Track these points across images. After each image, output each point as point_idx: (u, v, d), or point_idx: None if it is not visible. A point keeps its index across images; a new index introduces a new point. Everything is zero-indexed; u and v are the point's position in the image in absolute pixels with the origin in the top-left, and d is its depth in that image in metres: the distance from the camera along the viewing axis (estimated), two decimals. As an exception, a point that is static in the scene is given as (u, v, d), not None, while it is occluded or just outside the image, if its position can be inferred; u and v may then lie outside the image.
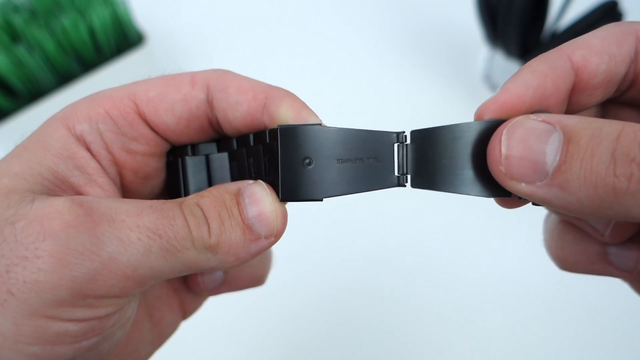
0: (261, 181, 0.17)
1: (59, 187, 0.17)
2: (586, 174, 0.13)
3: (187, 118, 0.19)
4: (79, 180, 0.17)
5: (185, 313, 0.23)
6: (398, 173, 0.18)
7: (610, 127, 0.13)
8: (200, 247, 0.16)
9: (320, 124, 0.17)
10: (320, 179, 0.17)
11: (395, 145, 0.18)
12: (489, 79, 0.57)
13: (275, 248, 0.19)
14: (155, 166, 0.20)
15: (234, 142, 0.20)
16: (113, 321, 0.16)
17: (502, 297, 0.43)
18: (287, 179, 0.17)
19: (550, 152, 0.13)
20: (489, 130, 0.16)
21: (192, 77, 0.19)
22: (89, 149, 0.18)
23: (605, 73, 0.16)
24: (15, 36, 0.45)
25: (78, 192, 0.17)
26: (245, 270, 0.22)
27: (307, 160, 0.17)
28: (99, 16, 0.46)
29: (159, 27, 0.62)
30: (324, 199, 0.17)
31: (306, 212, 0.42)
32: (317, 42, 0.63)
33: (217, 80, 0.18)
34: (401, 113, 0.55)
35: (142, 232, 0.15)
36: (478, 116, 0.17)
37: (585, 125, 0.13)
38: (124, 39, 0.49)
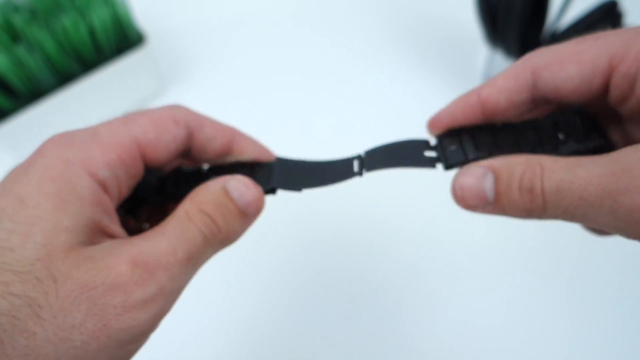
0: (237, 176, 0.22)
1: (95, 231, 0.19)
2: (510, 203, 0.20)
3: (175, 153, 0.23)
4: (106, 221, 0.20)
5: None
6: (357, 170, 0.24)
7: (518, 169, 0.19)
8: (215, 243, 0.21)
9: (277, 158, 0.25)
10: (299, 181, 0.24)
11: (355, 161, 0.24)
12: (488, 79, 0.57)
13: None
14: (131, 187, 0.23)
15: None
16: None
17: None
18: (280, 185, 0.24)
19: (489, 189, 0.20)
20: (421, 144, 0.24)
21: (173, 116, 0.22)
22: (107, 192, 0.21)
23: (507, 101, 0.22)
24: (15, 36, 0.45)
25: (105, 231, 0.20)
26: None
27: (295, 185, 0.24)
28: (99, 16, 0.46)
29: (159, 27, 0.62)
30: (302, 190, 0.24)
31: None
32: (316, 41, 0.63)
33: (194, 120, 0.23)
34: (401, 113, 0.56)
35: (181, 264, 0.19)
36: (428, 127, 0.25)
37: (505, 167, 0.20)
38: (124, 39, 0.49)
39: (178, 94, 0.57)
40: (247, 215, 0.21)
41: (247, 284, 0.43)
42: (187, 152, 0.24)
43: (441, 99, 0.56)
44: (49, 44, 0.44)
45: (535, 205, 0.19)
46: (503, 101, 0.22)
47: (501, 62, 0.53)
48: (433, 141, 0.24)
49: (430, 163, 0.23)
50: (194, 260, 0.20)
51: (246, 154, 0.25)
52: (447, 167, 0.23)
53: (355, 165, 0.24)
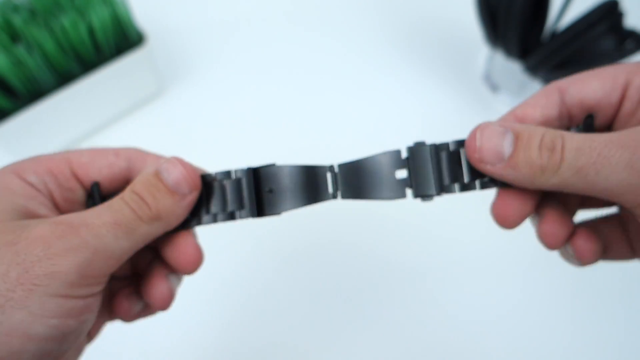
0: (171, 158, 0.23)
1: (29, 216, 0.22)
2: (526, 157, 0.21)
3: (110, 180, 0.25)
4: (41, 210, 0.23)
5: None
6: (332, 191, 0.24)
7: (539, 131, 0.21)
8: (147, 220, 0.22)
9: (274, 164, 0.24)
10: (278, 200, 0.24)
11: (328, 174, 0.24)
12: (489, 79, 0.57)
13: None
14: (79, 208, 0.25)
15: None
16: (98, 303, 0.22)
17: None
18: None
19: (506, 145, 0.21)
20: (392, 157, 0.23)
21: (117, 151, 0.25)
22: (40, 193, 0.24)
23: (542, 116, 0.24)
24: (14, 36, 0.45)
25: (39, 217, 0.22)
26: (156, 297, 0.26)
27: (268, 189, 0.24)
28: (98, 16, 0.45)
29: (159, 27, 0.62)
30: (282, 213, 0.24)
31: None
32: (315, 41, 0.63)
33: (136, 154, 0.25)
34: (400, 113, 0.56)
35: (107, 226, 0.21)
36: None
37: (526, 129, 0.21)
38: (124, 38, 0.49)
39: (177, 93, 0.57)
40: (179, 193, 0.23)
41: (237, 287, 0.43)
42: None
43: (441, 99, 0.56)
44: (49, 43, 0.44)
45: (552, 162, 0.20)
46: (539, 116, 0.24)
47: (501, 62, 0.53)
48: (405, 153, 0.24)
49: (401, 192, 0.23)
50: (123, 227, 0.21)
51: None
52: (416, 196, 0.23)
53: (329, 182, 0.24)
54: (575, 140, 0.20)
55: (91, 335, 0.26)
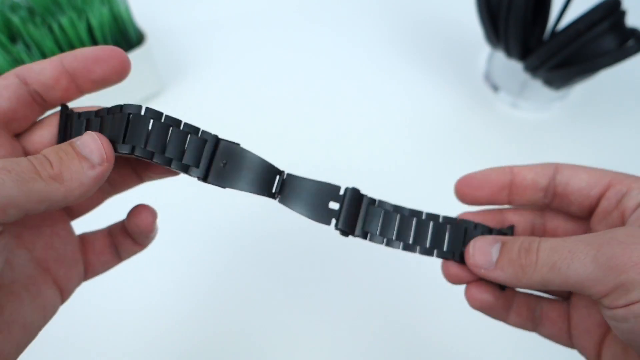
0: (89, 132, 0.23)
1: None
2: (509, 260, 0.25)
3: (16, 99, 0.24)
4: None
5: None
6: (274, 191, 0.26)
7: (519, 240, 0.25)
8: (46, 177, 0.21)
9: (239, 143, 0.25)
10: (228, 176, 0.25)
11: (277, 176, 0.25)
12: (489, 79, 0.57)
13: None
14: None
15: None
16: None
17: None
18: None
19: (494, 252, 0.25)
20: (331, 190, 0.26)
21: (3, 75, 0.25)
22: None
23: (532, 180, 0.27)
24: (13, 35, 0.45)
25: None
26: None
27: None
28: (97, 15, 0.45)
29: (158, 26, 0.62)
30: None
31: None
32: (316, 41, 0.63)
33: (22, 68, 0.25)
34: (401, 112, 0.55)
35: None
36: (456, 186, 0.29)
37: (511, 238, 0.26)
38: (123, 38, 0.49)
39: (177, 93, 0.57)
40: (89, 160, 0.22)
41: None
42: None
43: (442, 98, 0.56)
44: (47, 43, 0.44)
45: (528, 261, 0.24)
46: (530, 179, 0.27)
47: (502, 61, 0.53)
48: (342, 191, 0.26)
49: (327, 219, 0.26)
50: (13, 175, 0.20)
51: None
52: (337, 228, 0.26)
53: (276, 183, 0.25)
54: (550, 241, 0.23)
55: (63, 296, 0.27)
